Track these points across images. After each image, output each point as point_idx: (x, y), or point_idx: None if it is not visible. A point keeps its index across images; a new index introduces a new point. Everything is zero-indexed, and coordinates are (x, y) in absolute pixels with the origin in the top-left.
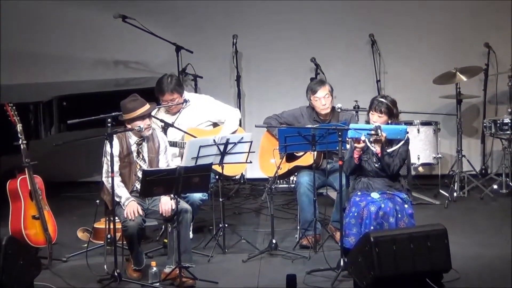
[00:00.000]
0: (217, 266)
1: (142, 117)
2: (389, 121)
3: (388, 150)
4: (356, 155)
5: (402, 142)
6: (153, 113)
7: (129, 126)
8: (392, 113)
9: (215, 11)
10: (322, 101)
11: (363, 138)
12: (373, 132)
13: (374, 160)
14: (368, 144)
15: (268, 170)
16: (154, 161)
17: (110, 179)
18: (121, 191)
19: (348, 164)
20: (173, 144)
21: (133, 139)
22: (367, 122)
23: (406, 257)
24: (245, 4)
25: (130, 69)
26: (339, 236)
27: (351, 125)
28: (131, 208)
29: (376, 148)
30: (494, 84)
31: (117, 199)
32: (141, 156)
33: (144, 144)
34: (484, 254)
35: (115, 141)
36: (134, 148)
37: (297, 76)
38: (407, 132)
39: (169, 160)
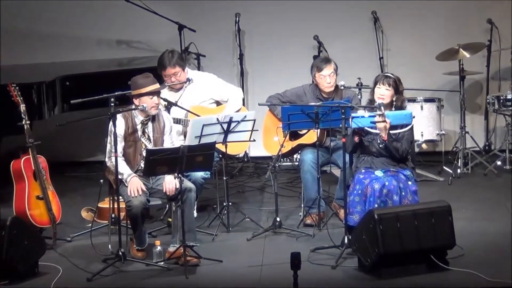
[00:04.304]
0: (222, 244)
1: (150, 95)
2: (394, 97)
3: (392, 132)
4: (356, 136)
5: (409, 127)
6: None
7: (136, 102)
8: (398, 89)
9: None
10: (328, 79)
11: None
12: (377, 118)
13: (379, 141)
14: (373, 130)
15: (272, 148)
16: (159, 141)
17: (113, 158)
18: (123, 168)
19: (350, 141)
20: (177, 121)
21: (138, 118)
22: (370, 100)
23: (410, 234)
24: None
25: (133, 48)
26: (343, 213)
27: (354, 117)
28: (134, 185)
29: (382, 135)
30: (497, 60)
31: (120, 176)
32: (146, 136)
33: (149, 124)
34: (488, 231)
35: (121, 120)
36: (139, 127)
37: (300, 54)
38: (413, 117)
39: (174, 140)
